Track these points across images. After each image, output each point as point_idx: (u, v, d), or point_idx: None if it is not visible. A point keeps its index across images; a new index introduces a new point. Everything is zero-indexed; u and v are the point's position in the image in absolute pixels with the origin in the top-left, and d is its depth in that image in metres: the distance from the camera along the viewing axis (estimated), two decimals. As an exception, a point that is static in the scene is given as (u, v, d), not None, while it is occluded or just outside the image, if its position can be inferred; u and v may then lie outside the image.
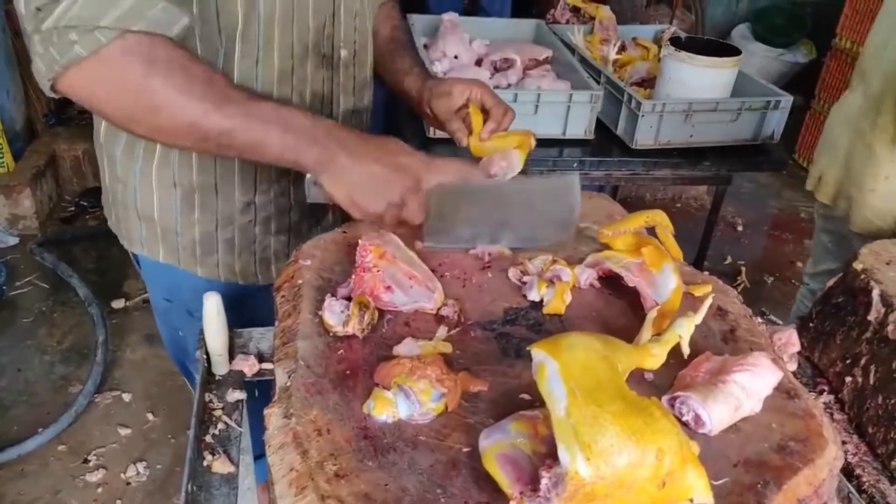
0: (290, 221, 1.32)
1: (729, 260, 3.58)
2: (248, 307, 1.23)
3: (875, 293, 1.09)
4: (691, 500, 0.64)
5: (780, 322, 2.02)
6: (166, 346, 1.55)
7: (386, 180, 1.01)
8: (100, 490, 2.17)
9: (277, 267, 1.32)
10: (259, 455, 1.34)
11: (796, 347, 1.14)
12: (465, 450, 0.76)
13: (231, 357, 1.18)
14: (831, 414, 1.13)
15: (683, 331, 0.84)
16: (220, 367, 1.16)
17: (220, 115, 0.95)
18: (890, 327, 1.05)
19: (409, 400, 0.78)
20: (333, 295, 0.94)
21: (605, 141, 2.17)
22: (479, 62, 2.29)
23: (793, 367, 1.17)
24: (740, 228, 3.90)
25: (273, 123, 0.98)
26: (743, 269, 3.49)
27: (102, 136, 1.24)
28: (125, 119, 0.98)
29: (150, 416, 2.43)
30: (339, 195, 1.02)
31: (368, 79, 1.34)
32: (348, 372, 0.86)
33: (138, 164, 1.20)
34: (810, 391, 1.18)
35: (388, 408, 0.79)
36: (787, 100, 2.14)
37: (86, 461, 2.25)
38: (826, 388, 1.17)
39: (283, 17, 1.10)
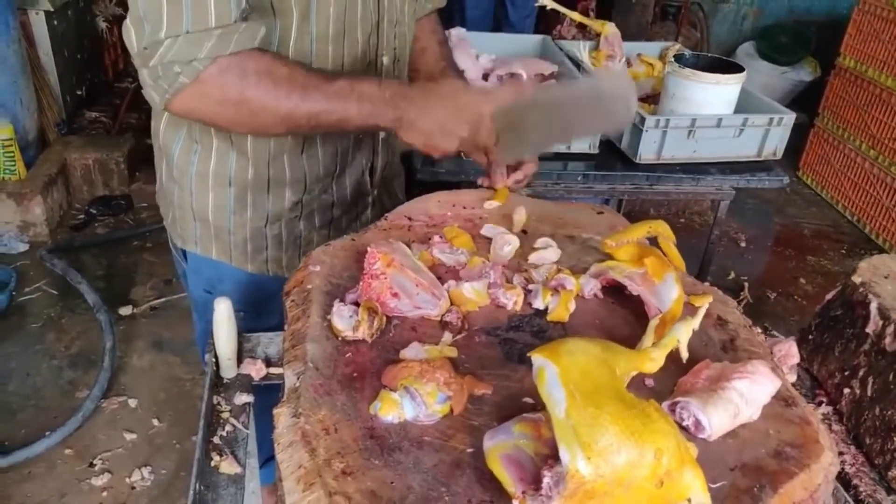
0: (333, 217, 1.39)
1: (732, 275, 3.59)
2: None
3: (873, 306, 1.11)
4: (689, 500, 0.66)
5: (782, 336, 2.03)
6: (197, 340, 1.60)
7: (452, 121, 1.15)
8: (105, 494, 2.19)
9: None
10: (265, 459, 1.37)
11: (796, 359, 1.16)
12: (469, 450, 0.78)
13: (239, 361, 1.20)
14: (829, 425, 1.15)
15: (681, 335, 0.86)
16: (229, 371, 1.18)
17: (307, 105, 1.10)
18: (887, 339, 1.06)
19: (416, 402, 0.80)
20: (342, 300, 0.96)
21: (609, 155, 2.19)
22: (485, 76, 2.32)
23: (792, 378, 1.19)
24: (743, 244, 3.91)
25: (350, 98, 1.12)
26: (746, 284, 3.50)
27: (161, 139, 1.32)
28: (229, 125, 1.16)
29: (155, 422, 2.45)
30: (418, 144, 1.18)
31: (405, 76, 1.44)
32: (356, 374, 0.88)
33: (195, 167, 1.28)
34: (809, 402, 1.19)
35: (394, 409, 0.81)
36: (789, 117, 2.16)
37: (91, 465, 2.27)
38: (825, 399, 1.19)
39: (336, 35, 1.20)
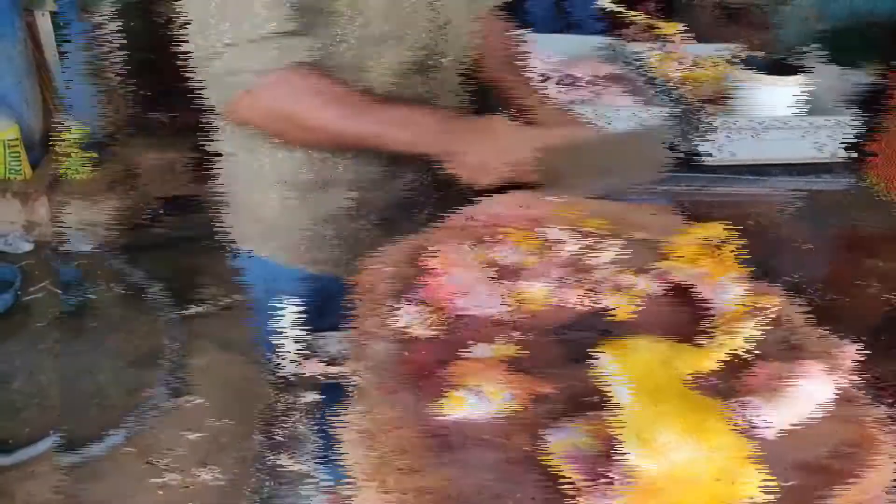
0: (390, 216, 1.41)
1: (795, 277, 3.50)
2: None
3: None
4: (750, 499, 0.66)
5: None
6: (260, 339, 1.63)
7: (496, 160, 1.17)
8: (170, 493, 2.23)
9: None
10: (329, 459, 1.40)
11: (857, 360, 1.13)
12: (530, 449, 0.79)
13: (303, 360, 1.23)
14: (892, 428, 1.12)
15: (744, 335, 0.85)
16: (294, 370, 1.21)
17: (356, 127, 1.14)
18: (960, 343, 1.03)
19: (481, 399, 0.82)
20: (406, 299, 0.98)
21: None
22: (544, 78, 2.31)
23: (854, 379, 1.16)
24: (807, 246, 3.81)
25: (398, 124, 1.15)
26: (809, 287, 3.40)
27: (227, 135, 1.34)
28: (278, 136, 1.21)
29: (223, 422, 2.48)
30: (462, 176, 1.19)
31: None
32: (419, 373, 0.89)
33: (252, 167, 1.31)
34: (872, 403, 1.17)
35: (460, 406, 0.82)
36: (853, 118, 2.11)
37: (155, 464, 2.31)
38: (890, 400, 1.16)
39: (385, 36, 1.22)
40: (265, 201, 1.34)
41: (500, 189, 1.21)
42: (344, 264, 1.38)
